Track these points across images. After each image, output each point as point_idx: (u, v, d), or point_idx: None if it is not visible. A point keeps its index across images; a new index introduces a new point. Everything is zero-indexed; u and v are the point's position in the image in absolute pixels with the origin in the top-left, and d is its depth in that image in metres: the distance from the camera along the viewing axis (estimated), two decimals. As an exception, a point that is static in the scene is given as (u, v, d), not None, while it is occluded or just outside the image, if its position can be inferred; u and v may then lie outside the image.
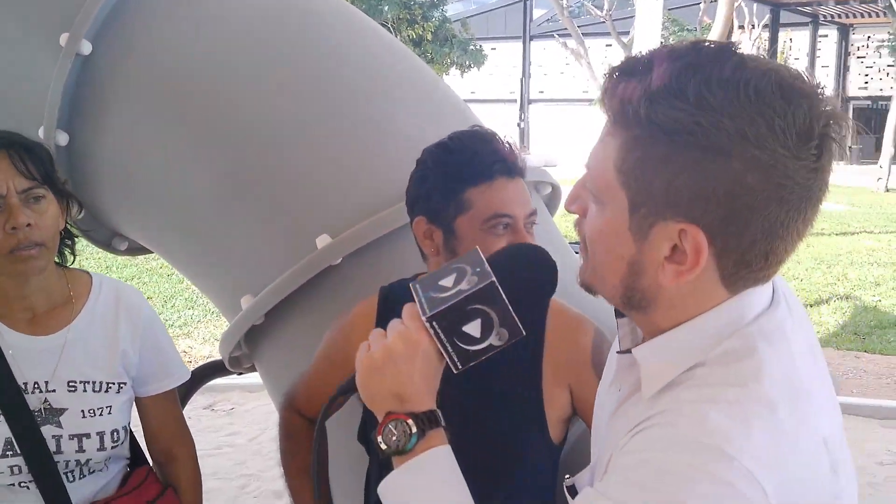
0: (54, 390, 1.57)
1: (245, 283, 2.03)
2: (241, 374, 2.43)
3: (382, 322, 1.56)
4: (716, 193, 0.85)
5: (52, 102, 2.03)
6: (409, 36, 18.71)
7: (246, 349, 2.16)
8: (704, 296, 0.91)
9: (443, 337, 0.99)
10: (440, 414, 1.00)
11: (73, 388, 1.58)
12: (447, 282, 1.01)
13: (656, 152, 0.86)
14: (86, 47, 2.00)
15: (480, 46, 20.75)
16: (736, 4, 14.71)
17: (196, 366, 2.99)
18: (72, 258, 1.69)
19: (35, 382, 1.56)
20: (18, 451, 1.52)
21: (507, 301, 0.98)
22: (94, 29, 2.00)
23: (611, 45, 22.78)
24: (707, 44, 0.88)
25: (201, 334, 6.78)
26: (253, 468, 4.22)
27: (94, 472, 1.62)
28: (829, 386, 0.98)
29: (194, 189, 2.08)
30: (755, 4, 23.97)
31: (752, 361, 0.89)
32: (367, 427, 1.56)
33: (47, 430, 1.55)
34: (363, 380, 1.00)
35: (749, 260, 0.89)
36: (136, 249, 2.55)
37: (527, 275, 1.03)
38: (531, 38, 28.56)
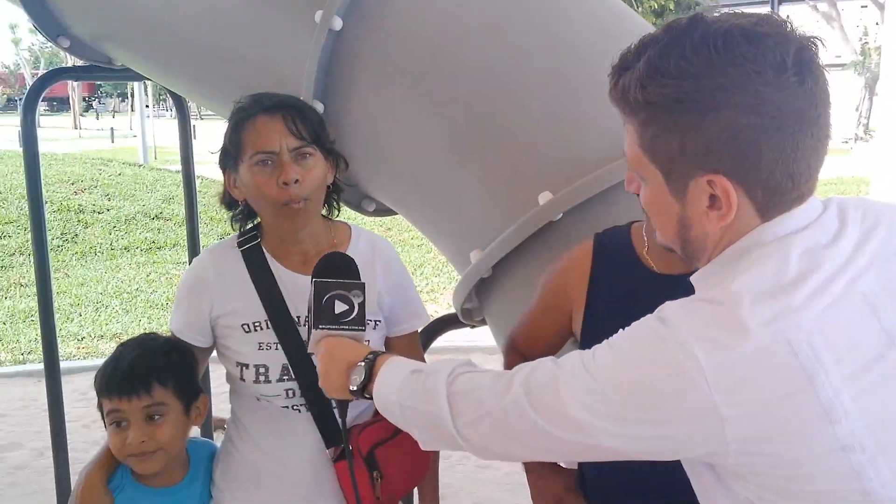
0: None
1: (474, 237, 2.16)
2: (472, 326, 2.56)
3: (597, 266, 1.63)
4: (720, 141, 0.99)
5: (309, 74, 2.26)
6: (650, 7, 18.22)
7: (477, 301, 2.30)
8: (743, 229, 1.06)
9: (333, 327, 1.46)
10: (380, 350, 1.39)
11: None
12: (309, 315, 1.49)
13: (662, 126, 1.02)
14: (337, 23, 2.20)
15: (725, 14, 19.70)
16: None
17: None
18: (336, 212, 1.87)
19: (307, 316, 1.77)
20: (294, 377, 1.71)
21: (334, 279, 1.49)
22: (343, 6, 2.20)
23: (866, 7, 20.71)
24: (678, 21, 1.02)
25: (446, 300, 7.14)
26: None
27: None
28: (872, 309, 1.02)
29: (428, 150, 2.23)
30: None
31: (736, 268, 1.03)
32: None
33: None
34: (327, 389, 1.42)
35: (775, 186, 1.02)
36: (382, 211, 2.77)
37: (331, 260, 1.56)
38: (780, 3, 26.68)
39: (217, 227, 11.25)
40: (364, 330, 1.47)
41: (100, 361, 6.17)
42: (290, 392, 1.73)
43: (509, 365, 1.77)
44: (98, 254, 10.23)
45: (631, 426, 1.02)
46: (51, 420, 3.29)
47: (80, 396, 5.30)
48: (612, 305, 1.59)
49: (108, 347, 6.78)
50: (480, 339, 4.98)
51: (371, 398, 1.34)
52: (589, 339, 1.62)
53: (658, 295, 1.53)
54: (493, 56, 2.16)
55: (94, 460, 1.74)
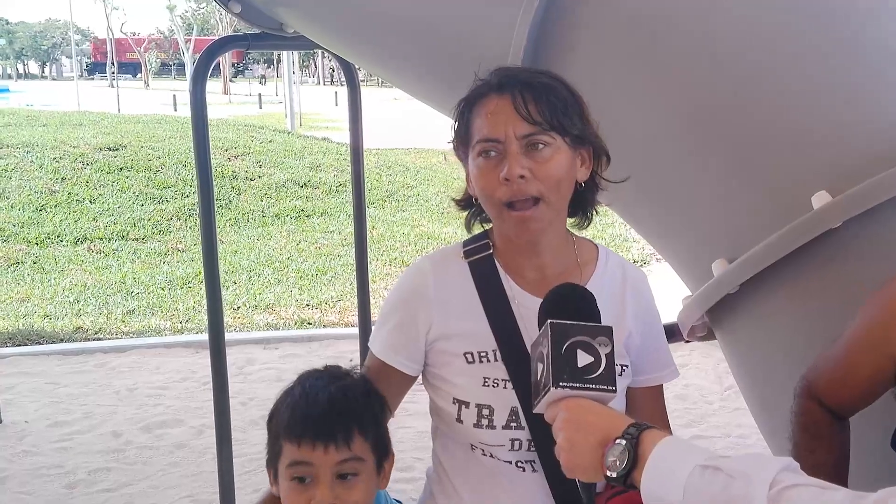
0: None
1: (717, 245, 1.80)
2: (688, 341, 2.21)
3: None
4: None
5: (518, 43, 1.95)
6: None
7: (705, 317, 1.94)
8: None
9: (577, 385, 1.11)
10: (644, 423, 1.06)
11: None
12: (539, 366, 1.17)
13: None
14: (552, -14, 1.88)
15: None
16: None
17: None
18: (586, 221, 1.49)
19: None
20: (523, 424, 1.38)
21: (575, 321, 1.15)
22: (560, -33, 1.87)
23: None
24: None
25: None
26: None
27: None
28: None
29: (659, 135, 1.89)
30: None
31: None
32: None
33: None
34: (571, 468, 1.10)
35: None
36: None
37: (567, 295, 1.23)
38: None
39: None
40: (615, 392, 1.13)
41: (255, 334, 6.17)
42: (517, 443, 1.39)
43: (803, 413, 1.40)
44: (250, 221, 10.39)
45: None
46: (216, 417, 3.15)
47: (237, 371, 5.26)
48: None
49: (263, 318, 6.78)
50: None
51: (637, 489, 1.02)
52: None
53: None
54: (746, 20, 1.79)
55: None
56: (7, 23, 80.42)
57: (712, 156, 1.80)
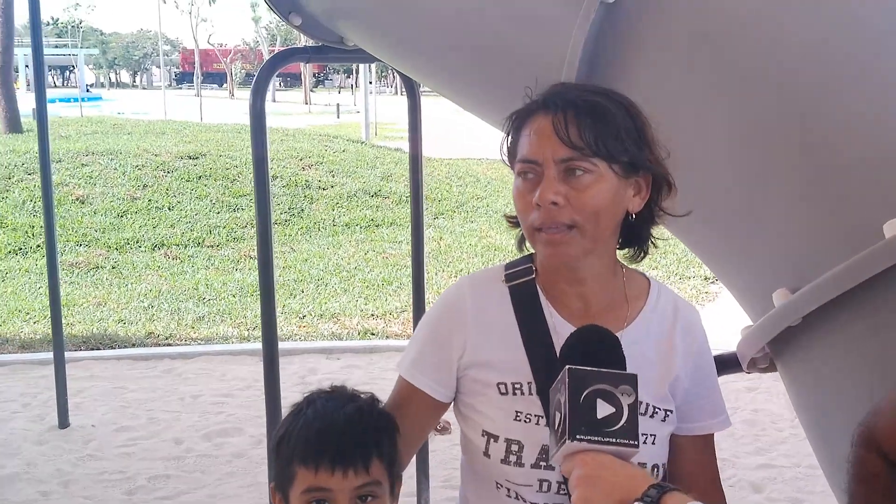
0: None
1: (779, 274, 1.69)
2: (749, 372, 2.10)
3: None
4: None
5: (573, 51, 1.87)
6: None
7: (767, 348, 1.82)
8: None
9: (596, 438, 1.05)
10: (666, 483, 1.03)
11: None
12: (556, 415, 1.10)
13: None
14: (611, -5, 1.80)
15: None
16: None
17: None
18: (640, 254, 1.42)
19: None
20: (553, 464, 1.28)
21: (596, 368, 1.08)
22: (618, -25, 1.79)
23: None
24: None
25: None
26: (727, 452, 3.91)
27: None
28: None
29: (720, 158, 1.79)
30: None
31: None
32: None
33: None
34: None
35: None
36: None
37: (592, 339, 1.16)
38: None
39: (431, 206, 11.24)
40: (637, 447, 1.07)
41: (319, 344, 6.21)
42: (545, 485, 1.31)
43: (861, 464, 1.28)
44: (321, 229, 10.50)
45: None
46: (268, 419, 3.14)
47: (299, 380, 5.28)
48: None
49: (328, 328, 6.80)
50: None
51: None
52: None
53: None
54: (816, 39, 1.68)
55: None
56: (101, 33, 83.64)
57: (776, 180, 1.69)
